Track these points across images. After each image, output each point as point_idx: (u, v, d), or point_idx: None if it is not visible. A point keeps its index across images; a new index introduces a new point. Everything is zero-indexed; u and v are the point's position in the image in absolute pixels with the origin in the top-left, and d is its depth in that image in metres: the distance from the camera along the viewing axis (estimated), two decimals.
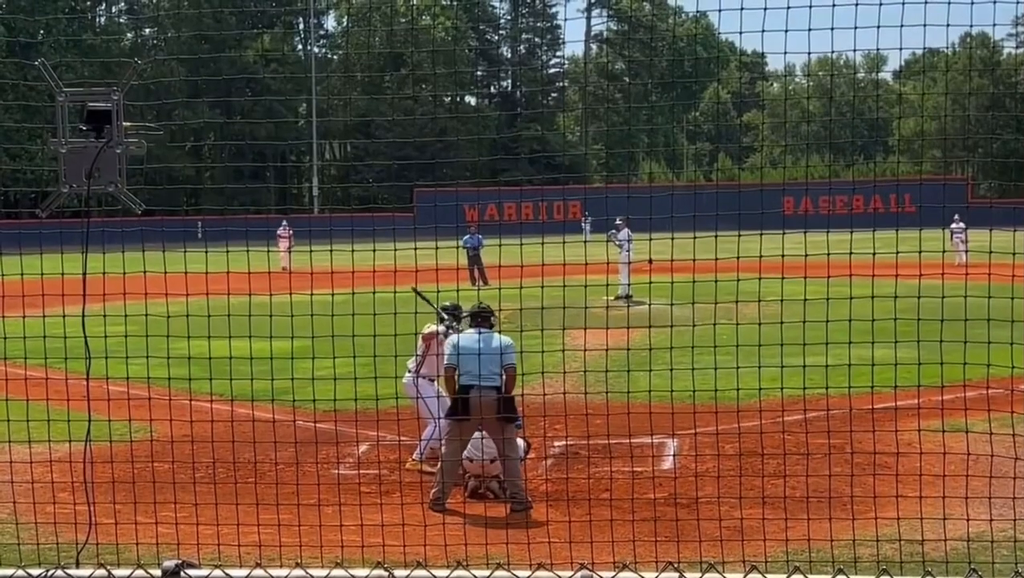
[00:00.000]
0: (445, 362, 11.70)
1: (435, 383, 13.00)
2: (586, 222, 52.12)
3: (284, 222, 47.29)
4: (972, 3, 6.50)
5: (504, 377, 11.58)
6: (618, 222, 28.81)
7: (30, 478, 9.33)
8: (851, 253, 7.91)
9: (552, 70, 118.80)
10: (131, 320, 9.37)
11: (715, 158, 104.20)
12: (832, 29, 6.32)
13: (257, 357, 9.01)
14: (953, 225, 36.20)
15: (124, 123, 6.93)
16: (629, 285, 27.44)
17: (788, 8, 6.17)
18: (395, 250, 8.42)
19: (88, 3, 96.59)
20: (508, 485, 11.60)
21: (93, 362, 7.07)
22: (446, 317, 12.64)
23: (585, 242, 9.15)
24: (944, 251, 9.30)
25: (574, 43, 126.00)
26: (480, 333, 11.76)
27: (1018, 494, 8.89)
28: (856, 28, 6.73)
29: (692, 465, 12.46)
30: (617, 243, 28.68)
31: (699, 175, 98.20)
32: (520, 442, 12.18)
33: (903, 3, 6.26)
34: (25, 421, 8.97)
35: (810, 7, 6.35)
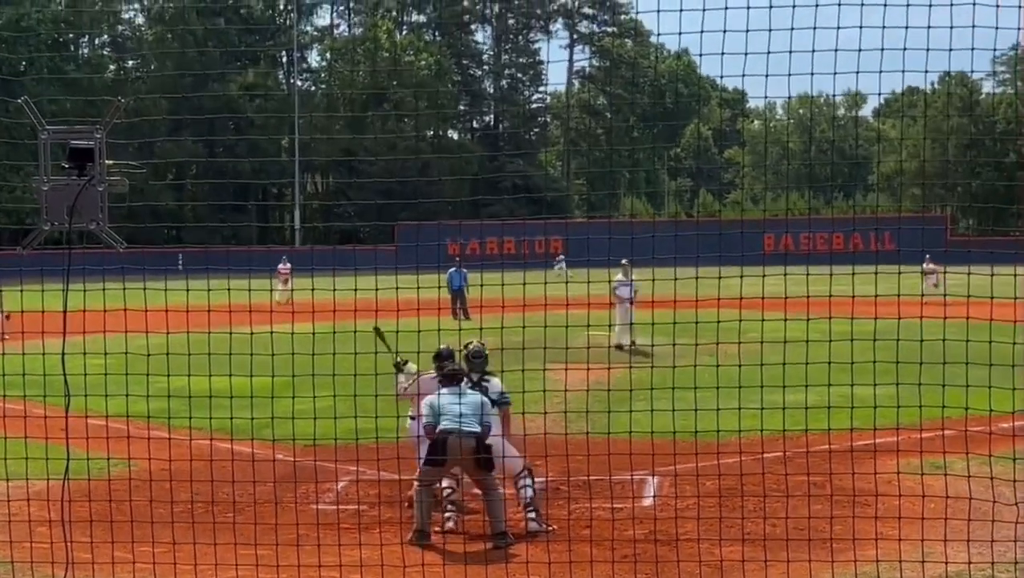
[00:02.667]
0: (424, 422, 11.53)
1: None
2: (559, 262, 52.51)
3: (284, 257, 47.64)
4: (950, 48, 6.57)
5: (485, 425, 11.44)
6: (624, 263, 28.05)
7: (7, 514, 9.28)
8: (831, 294, 7.95)
9: (534, 105, 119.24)
10: (111, 354, 9.34)
11: (696, 194, 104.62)
12: (812, 74, 6.38)
13: (237, 393, 8.99)
14: (925, 265, 36.24)
15: (106, 161, 6.95)
16: (632, 326, 26.72)
17: (768, 53, 6.23)
18: (376, 289, 8.43)
19: (71, 36, 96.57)
20: (492, 522, 11.55)
21: (73, 396, 7.06)
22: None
23: (567, 282, 9.15)
24: (923, 294, 9.37)
25: (557, 79, 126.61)
26: (458, 392, 11.59)
27: (996, 537, 8.90)
28: (835, 71, 6.79)
29: (672, 503, 12.46)
30: (617, 285, 28.06)
31: (680, 211, 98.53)
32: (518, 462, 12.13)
33: (882, 49, 6.33)
34: (3, 458, 8.91)
35: (790, 52, 6.42)
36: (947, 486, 8.47)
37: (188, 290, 8.50)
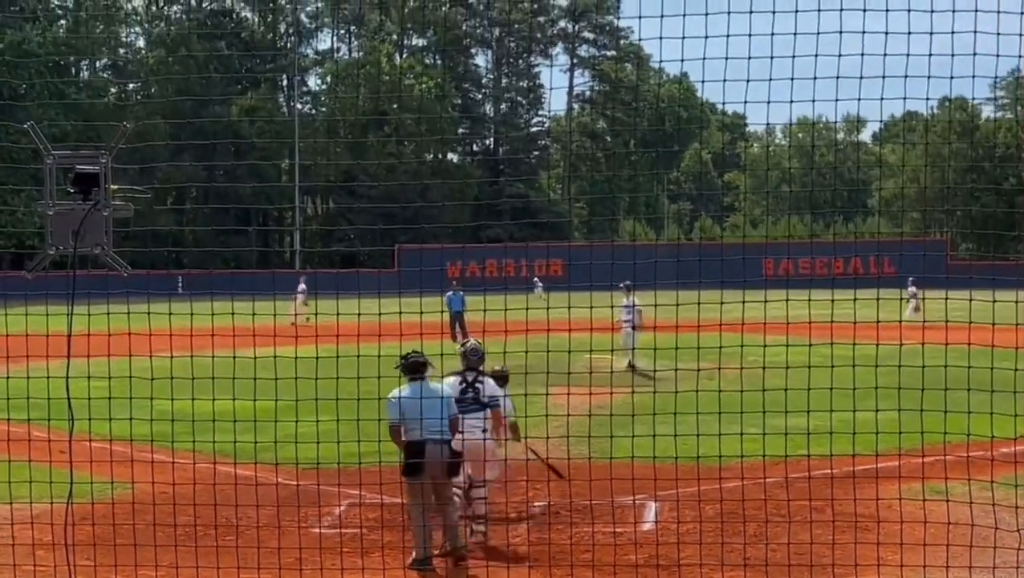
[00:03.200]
0: (390, 419, 11.47)
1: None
2: (536, 285, 52.79)
3: (301, 279, 47.95)
4: (951, 76, 6.62)
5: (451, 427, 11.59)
6: (625, 284, 27.99)
7: (10, 537, 9.28)
8: (832, 319, 7.97)
9: (534, 128, 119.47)
10: (115, 378, 9.36)
11: (696, 217, 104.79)
12: (813, 101, 6.42)
13: (240, 416, 9.01)
14: (907, 290, 36.09)
15: (111, 186, 6.99)
16: (634, 350, 26.57)
17: (770, 80, 6.28)
18: (379, 314, 8.46)
19: (72, 59, 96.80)
20: (450, 536, 11.57)
21: (76, 420, 7.08)
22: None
23: (547, 308, 9.15)
24: (900, 321, 9.37)
25: (557, 103, 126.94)
26: (431, 390, 11.54)
27: (998, 563, 8.91)
28: (837, 98, 6.83)
29: (673, 527, 12.46)
30: (625, 309, 27.94)
31: (680, 235, 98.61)
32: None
33: (883, 76, 6.37)
34: (6, 481, 8.93)
35: (792, 79, 6.46)
36: (949, 512, 8.48)
37: (192, 314, 8.53)
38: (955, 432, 8.71)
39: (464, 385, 12.36)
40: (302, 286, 45.86)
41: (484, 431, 12.23)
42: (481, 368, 12.57)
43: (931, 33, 7.08)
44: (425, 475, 11.36)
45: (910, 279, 36.25)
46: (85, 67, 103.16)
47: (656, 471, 9.59)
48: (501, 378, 12.75)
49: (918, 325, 8.96)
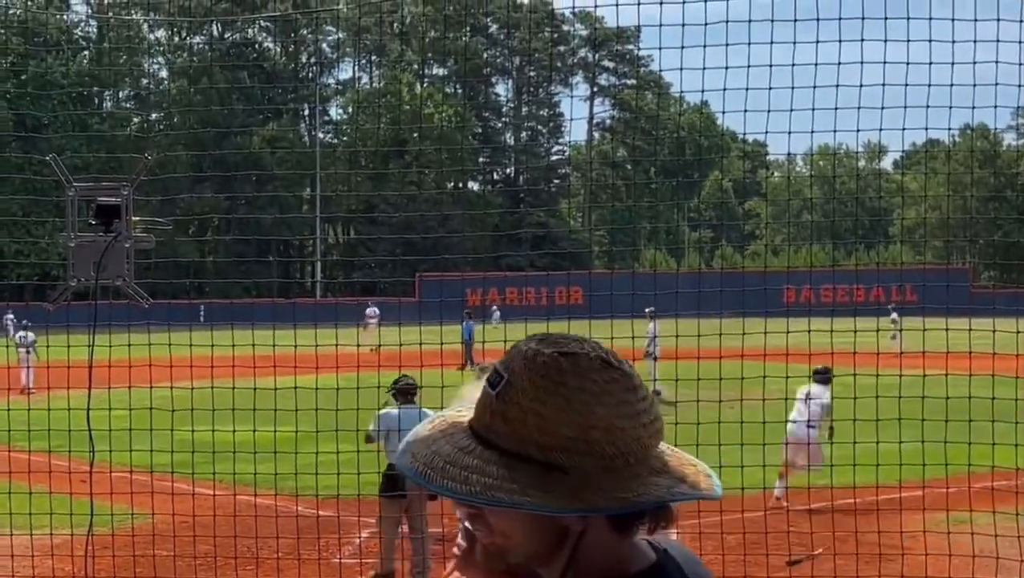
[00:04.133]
0: (370, 429, 11.60)
1: None
2: (494, 312, 53.01)
3: (370, 303, 48.70)
4: (973, 105, 6.59)
5: None
6: (649, 311, 27.81)
7: (31, 568, 9.28)
8: (855, 350, 7.93)
9: (554, 157, 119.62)
10: (135, 406, 9.37)
11: (717, 245, 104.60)
12: (835, 131, 6.40)
13: (260, 446, 8.99)
14: (892, 315, 35.57)
15: (133, 217, 7.00)
16: (656, 380, 26.39)
17: (791, 111, 6.27)
18: (400, 344, 8.45)
19: (95, 89, 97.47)
20: (419, 563, 11.64)
21: (97, 451, 7.08)
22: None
23: (505, 341, 9.13)
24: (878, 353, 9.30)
25: (577, 131, 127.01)
26: (418, 410, 11.51)
27: None
28: (858, 128, 6.82)
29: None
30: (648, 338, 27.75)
31: (701, 263, 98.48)
32: None
33: (904, 107, 6.36)
34: (28, 512, 8.94)
35: (812, 109, 6.45)
36: (974, 543, 8.40)
37: (212, 345, 8.54)
38: (979, 462, 8.64)
39: None
40: (374, 310, 46.55)
41: None
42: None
43: (952, 63, 7.06)
44: (402, 498, 11.48)
45: (890, 307, 35.74)
46: (108, 98, 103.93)
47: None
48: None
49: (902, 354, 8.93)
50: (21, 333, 29.39)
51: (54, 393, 8.59)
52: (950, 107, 6.97)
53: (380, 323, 43.20)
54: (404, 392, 11.62)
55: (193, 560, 10.86)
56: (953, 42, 7.70)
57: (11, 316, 36.09)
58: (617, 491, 1.82)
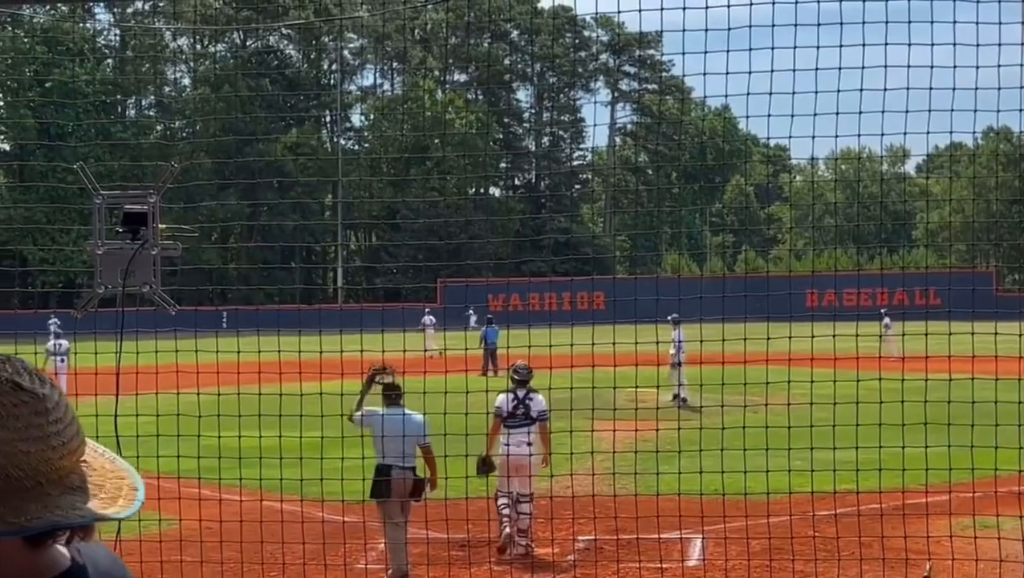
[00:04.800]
0: (356, 416, 11.67)
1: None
2: (470, 317, 53.10)
3: (427, 310, 48.82)
4: (998, 108, 6.58)
5: (422, 453, 11.91)
6: (672, 317, 27.65)
7: None
8: (880, 356, 7.91)
9: (576, 162, 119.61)
10: (162, 412, 9.42)
11: (739, 250, 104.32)
12: (859, 135, 6.39)
13: (287, 452, 9.03)
14: (884, 320, 35.01)
15: (159, 225, 7.04)
16: (682, 386, 26.24)
17: (815, 115, 6.27)
18: (424, 350, 8.47)
19: (118, 97, 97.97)
20: (396, 561, 11.87)
21: (124, 457, 7.12)
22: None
23: (444, 351, 9.15)
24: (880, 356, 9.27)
25: (599, 136, 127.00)
26: (402, 413, 11.75)
27: None
28: (882, 132, 6.81)
29: (720, 563, 12.37)
30: (675, 344, 27.60)
31: (724, 267, 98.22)
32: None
33: (929, 110, 6.35)
34: None
35: (837, 113, 6.45)
36: (1000, 548, 8.37)
37: (239, 352, 8.58)
38: (1006, 466, 8.61)
39: (515, 402, 12.87)
40: (431, 319, 46.58)
41: (529, 445, 12.69)
42: (530, 383, 13.03)
43: (976, 67, 7.05)
44: (392, 496, 11.67)
45: (883, 311, 35.17)
46: (131, 106, 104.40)
47: (703, 506, 9.53)
48: (517, 371, 13.15)
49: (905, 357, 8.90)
50: (55, 341, 29.41)
51: (81, 399, 8.64)
52: (975, 110, 6.96)
53: (436, 329, 43.64)
54: (389, 394, 11.75)
55: (220, 566, 10.91)
56: (977, 46, 7.69)
57: (56, 321, 36.19)
58: (9, 515, 1.87)
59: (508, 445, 12.67)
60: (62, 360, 28.29)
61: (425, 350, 34.51)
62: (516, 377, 13.03)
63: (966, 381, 8.46)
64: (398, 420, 11.50)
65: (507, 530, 12.67)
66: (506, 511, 12.77)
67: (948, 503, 11.82)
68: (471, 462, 12.09)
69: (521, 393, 12.93)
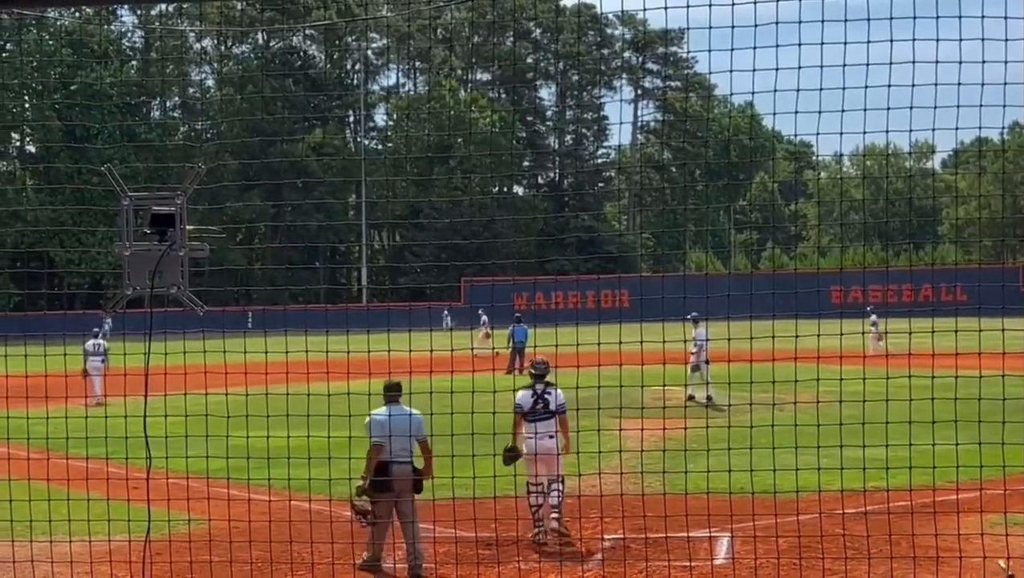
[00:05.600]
0: (373, 440, 11.98)
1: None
2: (446, 316, 53.09)
3: (481, 310, 49.19)
4: None
5: (420, 449, 12.24)
6: (692, 315, 27.53)
7: (89, 573, 9.36)
8: (909, 352, 7.86)
9: (600, 160, 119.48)
10: (190, 410, 9.44)
11: (764, 247, 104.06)
12: (887, 132, 6.36)
13: (315, 452, 9.03)
14: (871, 318, 34.39)
15: (187, 226, 7.06)
16: (709, 384, 26.05)
17: (842, 111, 6.23)
18: (451, 349, 8.47)
19: (142, 99, 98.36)
20: (410, 555, 12.06)
21: (153, 457, 7.14)
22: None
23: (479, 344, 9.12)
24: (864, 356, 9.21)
25: (622, 133, 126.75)
26: (404, 411, 12.16)
27: None
28: (911, 128, 6.77)
29: (749, 561, 12.32)
30: (695, 343, 27.50)
31: (749, 264, 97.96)
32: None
33: (958, 106, 6.31)
34: (86, 519, 9.02)
35: (864, 109, 6.41)
36: None
37: (266, 352, 8.59)
38: None
39: (535, 397, 13.39)
40: (486, 317, 46.84)
41: (551, 437, 13.27)
42: (548, 378, 13.52)
43: (1005, 62, 7.00)
44: (391, 492, 11.95)
45: (869, 308, 34.63)
46: (156, 107, 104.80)
47: (731, 504, 9.49)
48: (535, 366, 13.71)
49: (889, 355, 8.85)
50: (94, 341, 29.30)
51: (110, 400, 8.68)
52: (1003, 105, 6.91)
53: (489, 331, 43.88)
54: (391, 394, 12.13)
55: (248, 565, 10.94)
56: (1006, 41, 7.63)
57: (108, 321, 36.07)
58: None
59: (532, 438, 13.22)
60: (102, 360, 28.33)
61: (472, 349, 34.71)
62: (534, 372, 13.60)
63: (996, 377, 8.40)
64: (402, 420, 11.95)
65: (538, 535, 13.14)
66: (539, 513, 13.28)
67: (979, 500, 11.75)
68: (498, 461, 12.10)
69: (540, 388, 13.44)
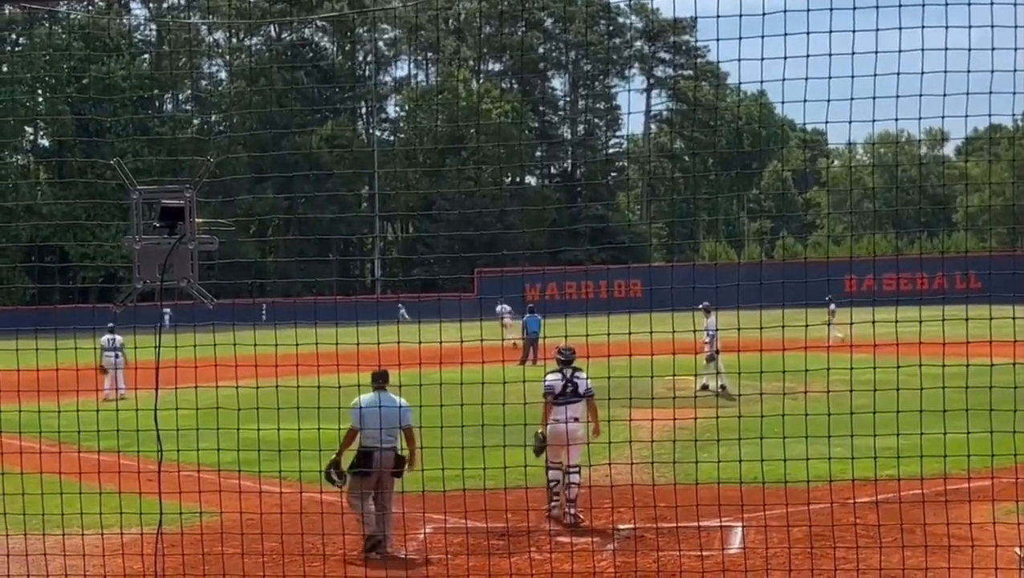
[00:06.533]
0: (351, 422, 12.34)
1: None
2: (400, 309, 53.02)
3: (501, 299, 49.37)
4: None
5: (404, 436, 12.62)
6: (704, 304, 27.41)
7: (102, 567, 9.39)
8: (920, 341, 7.84)
9: (612, 150, 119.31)
10: (202, 403, 9.47)
11: (777, 236, 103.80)
12: (896, 120, 6.34)
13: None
14: (831, 306, 33.86)
15: (196, 219, 7.08)
16: (721, 374, 25.93)
17: (851, 100, 6.22)
18: (461, 341, 8.48)
19: (155, 92, 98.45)
20: (383, 534, 12.42)
21: (164, 451, 7.17)
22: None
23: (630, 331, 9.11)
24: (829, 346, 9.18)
25: (634, 123, 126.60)
26: (391, 400, 12.51)
27: None
28: (920, 116, 6.75)
29: (761, 551, 12.32)
30: (707, 333, 27.41)
31: (761, 254, 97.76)
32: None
33: (967, 93, 6.28)
34: (98, 512, 9.05)
35: (874, 97, 6.39)
36: None
37: (276, 345, 8.60)
38: None
39: (564, 381, 13.95)
40: (505, 307, 46.61)
41: (577, 420, 13.84)
42: (575, 363, 14.08)
43: (1015, 48, 6.97)
44: (372, 477, 12.34)
45: (828, 297, 34.11)
46: (168, 100, 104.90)
47: (743, 494, 9.48)
48: (562, 353, 14.12)
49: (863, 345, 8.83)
50: (108, 336, 29.15)
51: (122, 392, 8.71)
52: (1014, 92, 6.89)
53: (509, 321, 44.18)
54: (377, 377, 12.52)
55: (261, 557, 10.97)
56: (1016, 27, 7.60)
57: (168, 313, 35.92)
58: None
59: (560, 420, 13.74)
60: (116, 355, 28.23)
61: (503, 340, 34.58)
62: (561, 358, 14.06)
63: (1008, 366, 8.38)
64: (388, 408, 12.27)
65: (555, 511, 13.84)
66: (556, 487, 13.91)
67: (991, 489, 11.73)
68: (510, 452, 12.09)
69: (568, 372, 13.96)
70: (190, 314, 8.50)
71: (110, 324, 29.08)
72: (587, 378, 14.06)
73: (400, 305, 55.96)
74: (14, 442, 10.84)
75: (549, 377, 14.18)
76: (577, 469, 13.87)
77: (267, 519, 10.97)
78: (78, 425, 9.06)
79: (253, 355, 8.90)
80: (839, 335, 27.55)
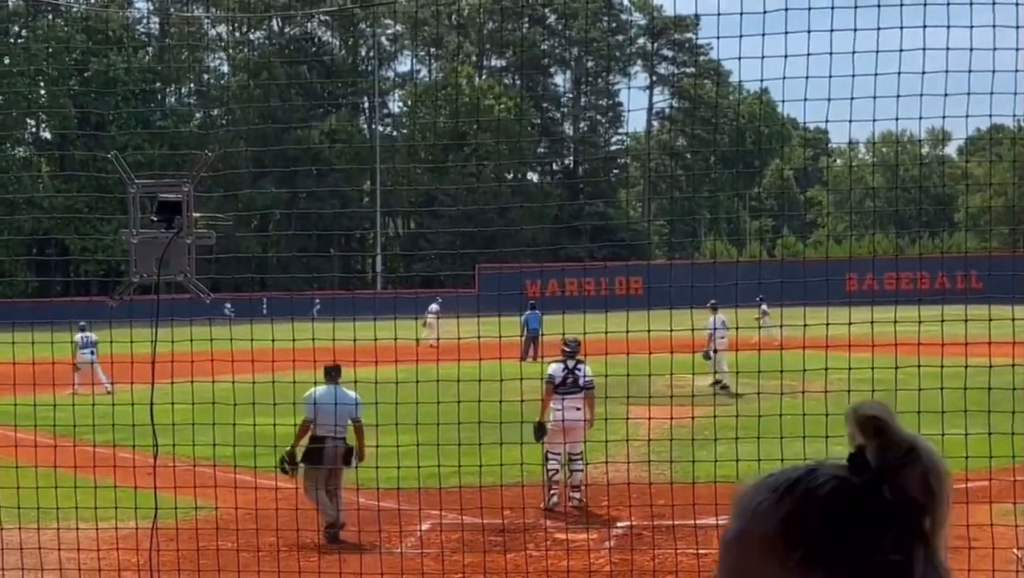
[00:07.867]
0: (304, 414, 12.70)
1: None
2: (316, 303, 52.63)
3: (437, 298, 49.20)
4: None
5: (353, 429, 13.10)
6: (711, 303, 27.23)
7: (97, 561, 9.38)
8: (919, 341, 7.82)
9: (614, 147, 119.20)
10: (198, 399, 9.45)
11: (778, 234, 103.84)
12: (896, 119, 6.31)
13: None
14: (763, 307, 33.37)
15: (194, 214, 7.06)
16: (726, 373, 25.79)
17: (852, 99, 6.19)
18: (459, 338, 8.46)
19: (156, 85, 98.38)
20: (333, 514, 12.85)
21: (160, 445, 7.15)
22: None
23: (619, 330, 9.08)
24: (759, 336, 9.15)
25: (636, 120, 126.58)
26: (344, 395, 12.83)
27: None
28: (921, 116, 6.72)
29: None
30: (709, 331, 27.28)
31: (762, 252, 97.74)
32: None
33: (968, 93, 6.26)
34: (93, 506, 9.04)
35: (874, 97, 6.37)
36: None
37: (273, 340, 8.59)
38: None
39: (566, 372, 14.44)
40: (436, 307, 46.10)
41: (578, 410, 14.22)
42: (578, 355, 14.54)
43: (1017, 48, 6.95)
44: (324, 465, 12.79)
45: (759, 297, 33.47)
46: (170, 94, 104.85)
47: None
48: (567, 344, 14.57)
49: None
50: (82, 334, 29.11)
51: (118, 387, 8.69)
52: (1015, 93, 6.87)
53: (431, 321, 43.37)
54: (330, 373, 12.88)
55: (256, 552, 10.95)
56: (1017, 27, 7.58)
57: (229, 305, 35.63)
58: None
59: (561, 410, 14.11)
60: (91, 352, 28.22)
61: (418, 339, 34.04)
62: (566, 349, 14.54)
63: (1007, 367, 8.36)
64: (339, 400, 12.50)
65: (555, 499, 14.15)
66: (556, 477, 14.27)
67: (988, 490, 11.71)
68: (507, 450, 12.08)
69: (571, 364, 14.47)
70: (186, 307, 8.50)
71: (82, 322, 28.94)
72: (589, 370, 14.44)
73: (227, 303, 53.93)
74: (9, 434, 10.84)
75: (553, 366, 14.65)
76: (580, 456, 14.34)
77: (263, 513, 10.95)
78: (74, 418, 9.05)
79: (250, 349, 8.89)
80: (775, 333, 26.77)
